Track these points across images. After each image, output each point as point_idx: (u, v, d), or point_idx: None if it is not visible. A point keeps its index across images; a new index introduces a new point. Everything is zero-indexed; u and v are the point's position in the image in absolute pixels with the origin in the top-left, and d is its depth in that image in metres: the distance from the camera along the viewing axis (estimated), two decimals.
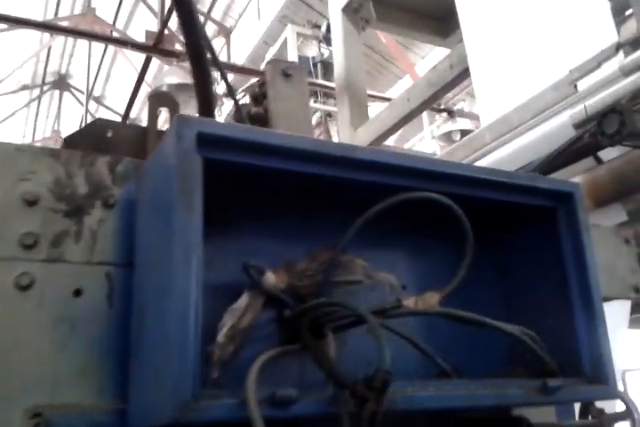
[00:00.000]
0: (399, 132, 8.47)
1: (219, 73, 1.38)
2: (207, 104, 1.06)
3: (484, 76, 3.24)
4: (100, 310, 0.91)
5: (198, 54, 1.02)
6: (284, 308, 0.99)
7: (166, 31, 7.82)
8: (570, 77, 2.46)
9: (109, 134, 1.13)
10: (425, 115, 8.26)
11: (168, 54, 6.26)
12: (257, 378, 0.73)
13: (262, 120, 1.21)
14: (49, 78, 14.54)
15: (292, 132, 1.20)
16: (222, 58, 11.48)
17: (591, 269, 1.07)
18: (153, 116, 1.10)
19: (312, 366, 0.87)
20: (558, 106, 2.49)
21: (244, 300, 0.94)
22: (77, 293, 0.91)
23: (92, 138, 1.13)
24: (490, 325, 0.92)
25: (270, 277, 0.95)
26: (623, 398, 1.25)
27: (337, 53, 4.84)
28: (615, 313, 2.08)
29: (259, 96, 1.24)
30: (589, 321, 1.05)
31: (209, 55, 1.16)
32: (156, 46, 6.08)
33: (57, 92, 14.93)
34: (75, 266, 0.92)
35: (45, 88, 14.64)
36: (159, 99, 1.16)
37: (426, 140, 8.42)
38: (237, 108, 1.19)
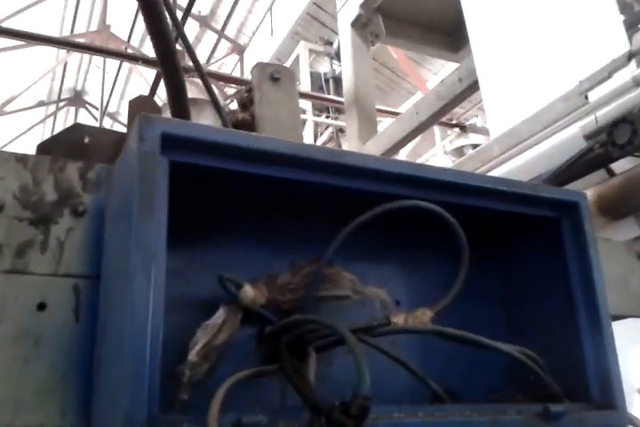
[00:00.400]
0: (411, 147, 8.43)
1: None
2: (181, 112, 1.01)
3: (493, 89, 3.17)
4: (66, 325, 0.85)
5: (169, 59, 0.97)
6: (266, 324, 0.92)
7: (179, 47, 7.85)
8: (580, 88, 2.38)
9: (87, 140, 1.08)
10: (437, 130, 8.21)
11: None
12: (222, 402, 0.66)
13: (249, 126, 1.15)
14: (65, 95, 14.68)
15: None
16: (236, 74, 11.53)
17: (598, 286, 0.99)
18: (132, 121, 1.05)
19: None
20: (569, 117, 2.41)
21: (220, 315, 0.87)
22: (41, 306, 0.85)
23: (69, 144, 1.08)
24: (485, 344, 0.85)
25: (249, 291, 0.88)
26: (634, 423, 1.16)
27: (346, 68, 4.80)
28: (628, 331, 1.98)
29: (246, 102, 1.19)
30: (597, 341, 0.97)
31: (191, 63, 1.10)
32: None
33: (72, 108, 15.06)
34: (39, 278, 0.86)
35: (61, 104, 14.78)
36: (140, 103, 1.10)
37: (438, 156, 8.35)
38: (220, 114, 1.14)
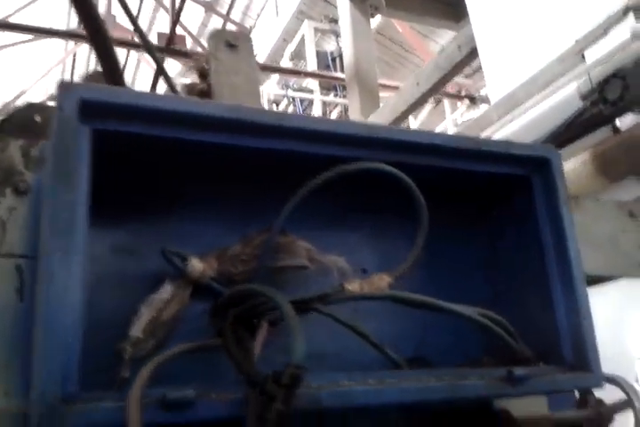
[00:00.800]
0: (420, 121, 8.32)
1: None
2: (116, 82, 0.97)
3: (491, 54, 3.09)
4: (9, 306, 0.82)
5: (98, 35, 0.93)
6: (219, 297, 0.89)
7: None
8: (576, 47, 2.30)
9: (38, 119, 1.05)
10: (447, 103, 8.08)
11: (180, 55, 6.22)
12: (147, 377, 0.63)
13: (207, 96, 1.11)
14: None
15: None
16: None
17: (571, 244, 0.95)
18: None
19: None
20: (566, 78, 2.33)
21: (166, 290, 0.84)
22: None
23: (18, 123, 1.04)
24: (443, 308, 0.81)
25: (196, 264, 0.85)
26: (622, 385, 1.12)
27: (346, 42, 4.73)
28: (628, 292, 1.92)
29: (205, 72, 1.15)
30: (570, 302, 0.92)
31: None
32: (167, 47, 6.05)
33: None
34: None
35: None
36: (93, 80, 1.07)
37: (449, 129, 8.23)
38: (170, 85, 1.10)
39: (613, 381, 1.14)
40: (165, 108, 0.75)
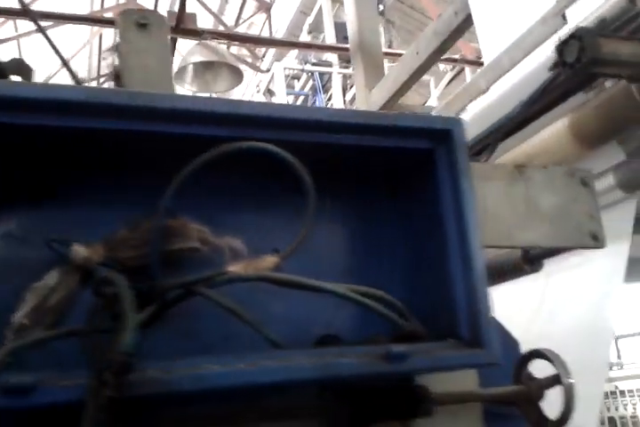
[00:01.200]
0: (441, 90, 8.15)
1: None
2: None
3: (484, 18, 3.00)
4: None
5: None
6: None
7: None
8: (557, 7, 2.21)
9: None
10: (468, 71, 7.89)
11: (190, 33, 6.22)
12: None
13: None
14: (104, 71, 14.85)
15: (148, 89, 1.10)
16: (264, 33, 11.34)
17: (469, 218, 0.92)
18: None
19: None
20: (549, 41, 2.26)
21: (52, 277, 0.85)
22: None
23: None
24: (314, 287, 0.80)
25: (79, 251, 0.86)
26: (553, 360, 1.09)
27: (349, 12, 4.64)
28: (608, 265, 1.86)
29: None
30: (467, 278, 0.91)
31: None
32: (177, 26, 6.03)
33: (112, 84, 15.23)
34: None
35: (102, 80, 14.98)
36: (12, 66, 1.08)
37: None
38: (69, 71, 1.10)
39: (543, 355, 1.12)
40: (20, 96, 0.76)
